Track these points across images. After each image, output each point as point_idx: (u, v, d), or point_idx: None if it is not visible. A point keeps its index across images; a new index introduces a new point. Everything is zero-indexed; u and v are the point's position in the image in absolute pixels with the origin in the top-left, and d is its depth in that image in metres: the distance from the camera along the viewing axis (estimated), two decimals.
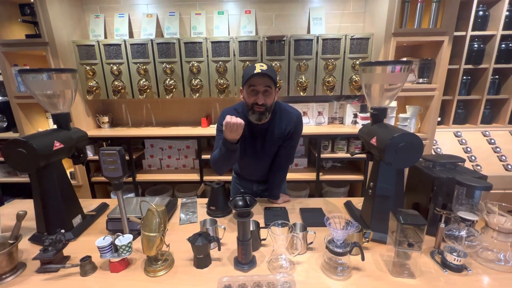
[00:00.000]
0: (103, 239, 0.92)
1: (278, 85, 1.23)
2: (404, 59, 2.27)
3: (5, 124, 2.45)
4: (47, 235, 0.93)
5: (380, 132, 1.04)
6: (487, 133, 2.37)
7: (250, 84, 1.13)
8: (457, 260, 0.88)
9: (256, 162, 1.39)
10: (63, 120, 1.16)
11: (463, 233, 0.87)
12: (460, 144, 2.31)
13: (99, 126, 2.58)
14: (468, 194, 0.88)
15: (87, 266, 0.92)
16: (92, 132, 2.41)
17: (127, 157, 2.31)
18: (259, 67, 1.11)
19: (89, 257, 0.93)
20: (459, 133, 2.37)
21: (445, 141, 2.33)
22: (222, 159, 1.16)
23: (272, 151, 1.36)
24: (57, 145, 1.08)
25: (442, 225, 0.96)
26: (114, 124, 2.67)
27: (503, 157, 2.20)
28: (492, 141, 2.31)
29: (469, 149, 2.27)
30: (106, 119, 2.54)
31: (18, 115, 2.24)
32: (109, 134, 2.38)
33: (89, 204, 1.40)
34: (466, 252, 0.88)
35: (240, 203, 0.90)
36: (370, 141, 1.06)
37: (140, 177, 2.45)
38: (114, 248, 0.93)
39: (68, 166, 2.47)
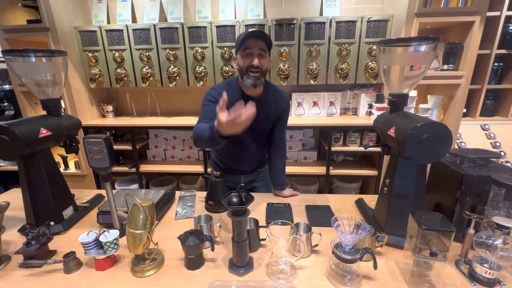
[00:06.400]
0: (87, 234, 0.85)
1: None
2: None
3: (12, 112, 2.45)
4: (30, 228, 0.87)
5: (399, 121, 0.90)
6: None
7: (245, 47, 1.10)
8: (489, 273, 0.74)
9: (249, 145, 1.30)
10: (52, 106, 1.09)
11: (499, 242, 0.73)
12: (488, 138, 2.09)
13: (103, 115, 2.54)
14: (508, 196, 0.73)
15: (70, 262, 0.85)
16: (96, 121, 2.37)
17: (128, 147, 2.27)
18: (252, 30, 1.10)
19: (74, 253, 0.87)
20: (486, 126, 2.15)
21: (471, 134, 2.12)
22: (205, 142, 1.01)
23: (266, 131, 1.32)
24: (44, 132, 1.01)
25: (471, 231, 0.82)
26: (118, 113, 2.62)
27: None
28: None
29: (498, 144, 2.05)
30: (110, 108, 2.50)
31: (23, 103, 2.22)
32: (113, 123, 2.34)
33: (86, 195, 1.35)
34: (501, 264, 0.74)
35: (235, 199, 0.80)
36: (387, 132, 0.92)
37: (144, 168, 2.40)
38: (99, 244, 0.86)
39: (74, 156, 2.45)
